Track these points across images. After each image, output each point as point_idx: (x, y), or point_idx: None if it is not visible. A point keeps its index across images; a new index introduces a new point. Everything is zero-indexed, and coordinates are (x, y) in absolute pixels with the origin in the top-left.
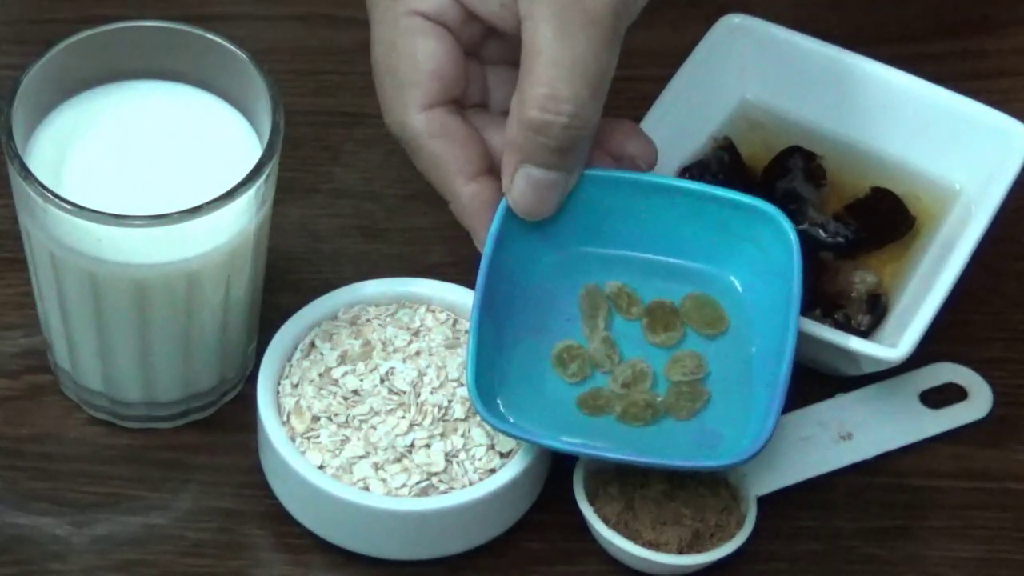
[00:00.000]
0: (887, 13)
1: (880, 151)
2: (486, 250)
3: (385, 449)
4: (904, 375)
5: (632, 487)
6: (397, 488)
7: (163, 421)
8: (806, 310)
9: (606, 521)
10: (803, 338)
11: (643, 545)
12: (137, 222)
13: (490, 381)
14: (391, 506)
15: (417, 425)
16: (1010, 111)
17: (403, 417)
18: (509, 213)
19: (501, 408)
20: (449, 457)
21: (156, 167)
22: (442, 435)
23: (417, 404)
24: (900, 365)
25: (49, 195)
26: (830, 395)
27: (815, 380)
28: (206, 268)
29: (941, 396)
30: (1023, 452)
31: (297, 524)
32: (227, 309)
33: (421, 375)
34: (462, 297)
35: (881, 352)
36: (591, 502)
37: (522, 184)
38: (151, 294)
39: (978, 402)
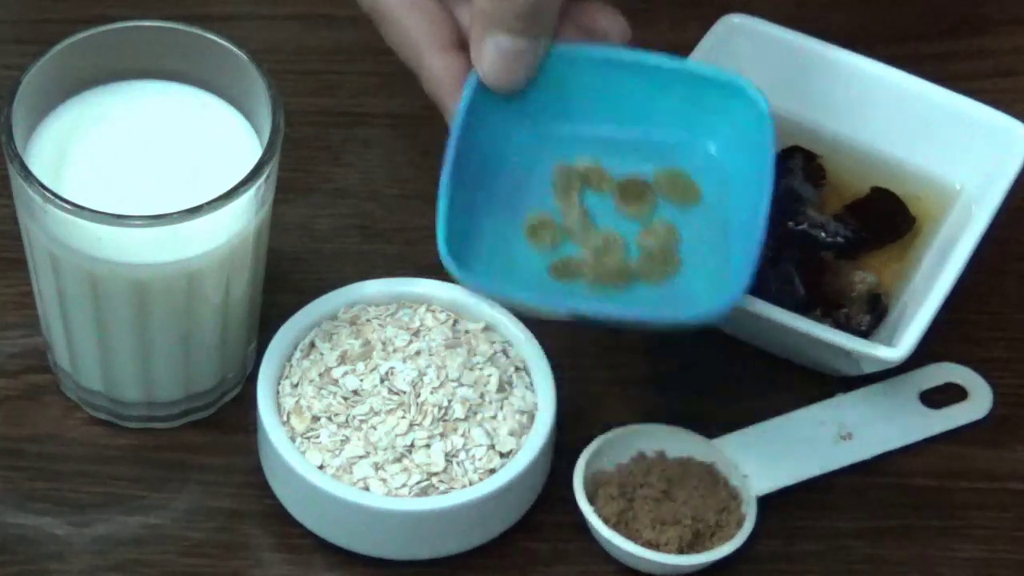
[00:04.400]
0: (887, 13)
1: (880, 151)
2: (456, 121)
3: (385, 449)
4: (904, 375)
5: (632, 487)
6: (397, 488)
7: (163, 421)
8: (806, 310)
9: (606, 521)
10: (803, 338)
11: (643, 545)
12: (137, 222)
13: (461, 252)
14: (391, 506)
15: (417, 425)
16: (1010, 111)
17: (403, 417)
18: (480, 87)
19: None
20: (449, 457)
21: (156, 167)
22: (442, 435)
23: (417, 404)
24: (900, 365)
25: (49, 195)
26: (830, 395)
27: (815, 380)
28: (206, 268)
29: (941, 396)
30: (1023, 452)
31: (297, 524)
32: (227, 309)
33: (421, 375)
34: (462, 297)
35: (881, 352)
36: (591, 502)
37: (491, 53)
38: (151, 294)
39: (978, 402)
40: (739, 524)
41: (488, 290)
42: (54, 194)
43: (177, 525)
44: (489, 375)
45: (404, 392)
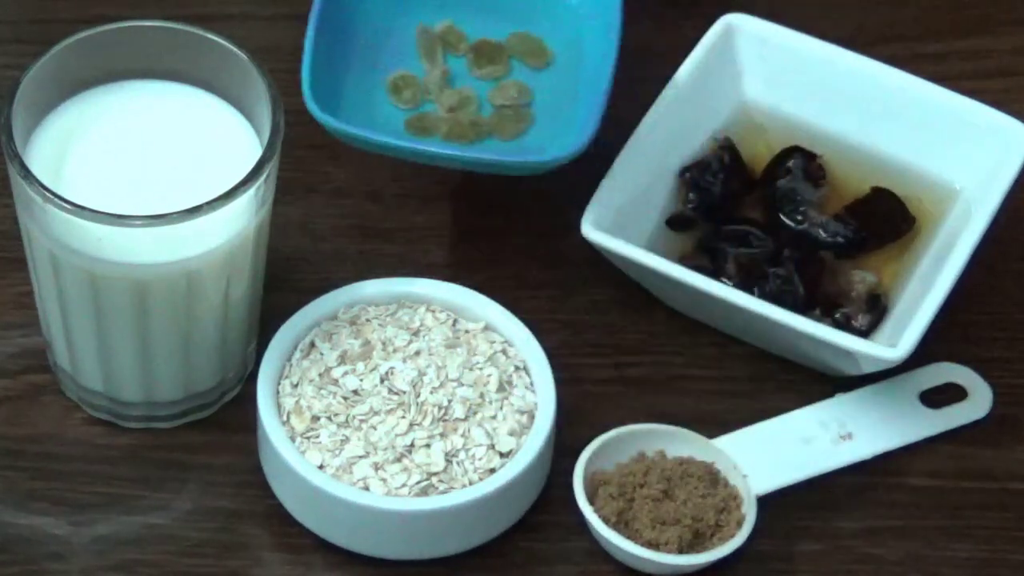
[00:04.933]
0: (887, 13)
1: (880, 151)
2: None
3: (385, 449)
4: (904, 375)
5: (632, 487)
6: (397, 488)
7: (163, 421)
8: (806, 310)
9: (606, 521)
10: (803, 338)
11: (643, 545)
12: (137, 222)
13: (324, 103)
14: (391, 506)
15: (417, 425)
16: (1010, 111)
17: (403, 417)
18: None
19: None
20: (449, 457)
21: (156, 167)
22: (442, 435)
23: (417, 404)
24: (900, 365)
25: (49, 195)
26: (830, 395)
27: (815, 380)
28: (206, 268)
29: (941, 396)
30: (1023, 452)
31: (297, 524)
32: (227, 309)
33: (421, 375)
34: (462, 297)
35: (881, 352)
36: (591, 502)
37: None
38: (151, 294)
39: (978, 402)
40: (739, 524)
41: (352, 134)
42: (54, 194)
43: (177, 525)
44: (489, 375)
45: (404, 392)
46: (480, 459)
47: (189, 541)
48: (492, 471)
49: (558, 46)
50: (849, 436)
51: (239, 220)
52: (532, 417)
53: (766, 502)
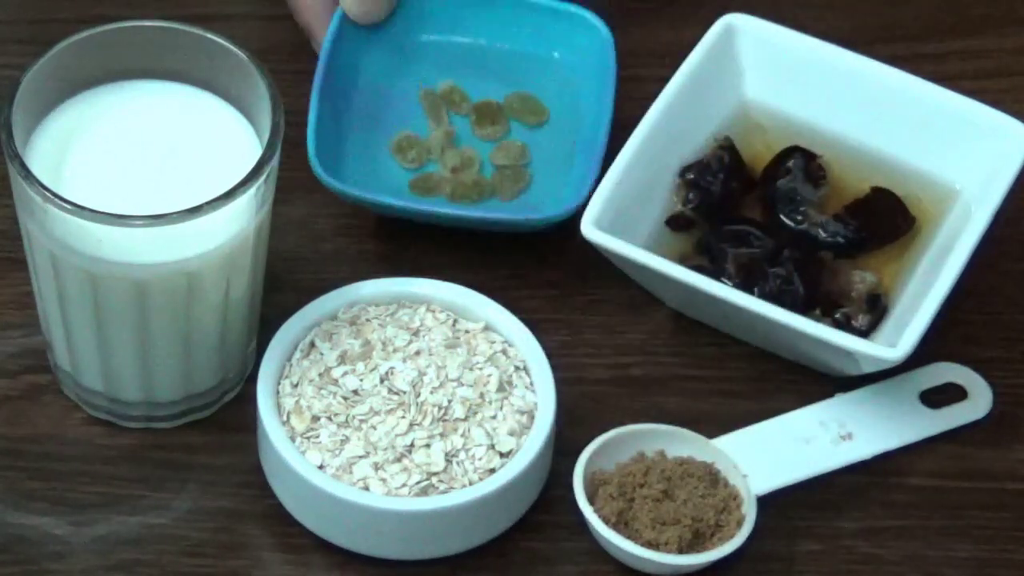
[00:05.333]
0: (887, 13)
1: (880, 151)
2: (324, 47)
3: (385, 449)
4: (904, 375)
5: (632, 487)
6: (397, 488)
7: (163, 421)
8: (806, 310)
9: (606, 521)
10: (803, 338)
11: (643, 545)
12: (137, 222)
13: (329, 166)
14: (391, 506)
15: (417, 425)
16: (1010, 111)
17: (403, 417)
18: (344, 18)
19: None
20: (449, 457)
21: (156, 167)
22: (442, 435)
23: (417, 404)
24: (900, 365)
25: (49, 195)
26: (830, 395)
27: (815, 380)
28: (206, 268)
29: (941, 396)
30: (1023, 452)
31: (297, 524)
32: (227, 309)
33: (421, 375)
34: (462, 297)
35: (881, 352)
36: (591, 502)
37: None
38: (151, 294)
39: (978, 402)
40: (739, 524)
41: (357, 196)
42: (54, 194)
43: (177, 525)
44: (489, 375)
45: (404, 392)
46: (480, 459)
47: (189, 541)
48: (492, 471)
49: (555, 104)
50: (849, 436)
51: (239, 220)
52: (532, 417)
53: (766, 502)
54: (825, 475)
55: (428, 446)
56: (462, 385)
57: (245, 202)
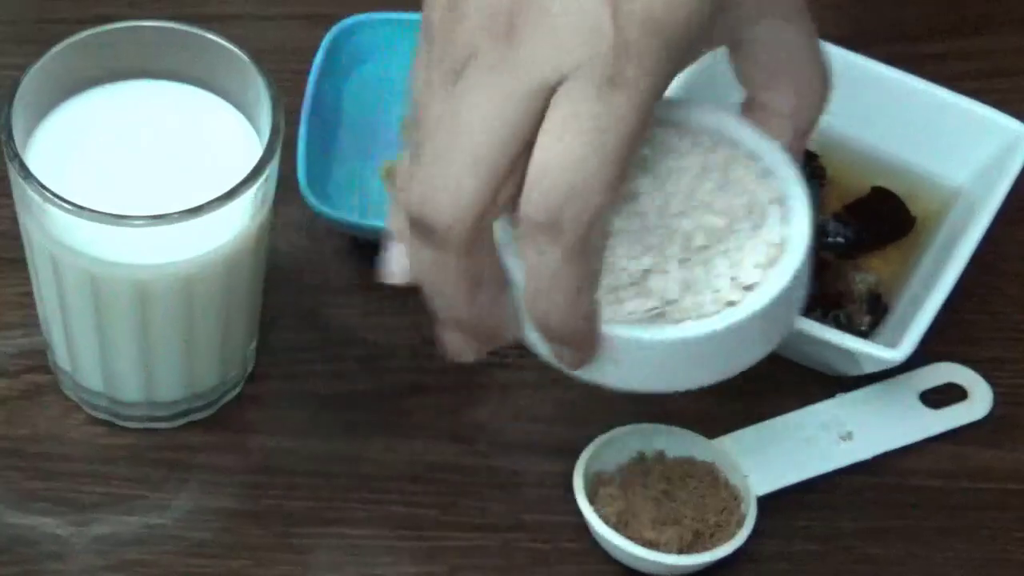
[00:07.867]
0: (887, 13)
1: (880, 151)
2: (311, 76)
3: (620, 271)
4: (904, 375)
5: (632, 487)
6: (629, 313)
7: (163, 421)
8: (806, 310)
9: (606, 521)
10: (803, 338)
11: (643, 545)
12: (137, 222)
13: (320, 193)
14: (620, 333)
15: (656, 250)
16: (1010, 111)
17: (643, 240)
18: (330, 48)
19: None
20: (687, 285)
21: (156, 167)
22: (682, 262)
23: (662, 228)
24: (900, 365)
25: (49, 195)
26: (830, 395)
27: (815, 380)
28: (206, 268)
29: (941, 396)
30: (1023, 452)
31: (297, 524)
32: (227, 309)
33: (668, 199)
34: (724, 123)
35: (881, 352)
36: (591, 502)
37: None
38: (151, 294)
39: (978, 402)
40: (739, 524)
41: (347, 221)
42: (54, 194)
43: (177, 525)
44: (741, 204)
45: (646, 214)
46: (720, 291)
47: (189, 541)
48: (731, 304)
49: None
50: (849, 436)
51: (239, 220)
52: (782, 250)
53: (766, 502)
54: (825, 475)
55: (666, 272)
56: (710, 212)
57: (245, 202)
